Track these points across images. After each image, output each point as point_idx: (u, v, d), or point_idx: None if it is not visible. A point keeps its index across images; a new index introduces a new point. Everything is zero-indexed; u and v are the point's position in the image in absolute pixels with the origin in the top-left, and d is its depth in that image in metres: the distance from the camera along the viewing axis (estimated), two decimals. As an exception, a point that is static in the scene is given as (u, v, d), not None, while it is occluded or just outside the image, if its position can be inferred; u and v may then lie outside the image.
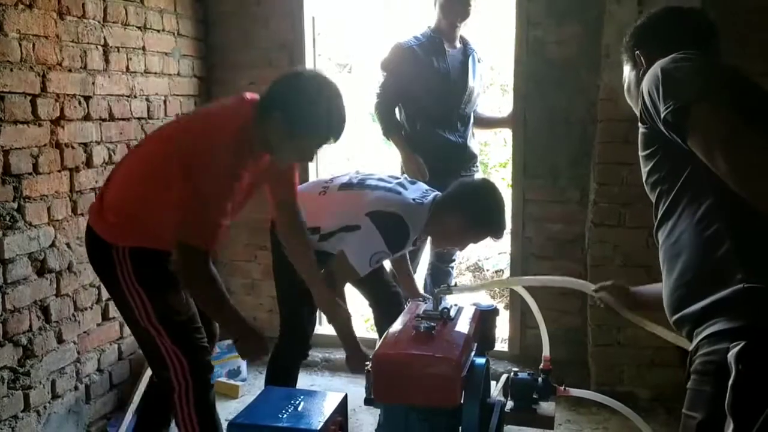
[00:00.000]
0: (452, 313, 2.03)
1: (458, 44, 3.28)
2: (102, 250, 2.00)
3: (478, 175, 3.52)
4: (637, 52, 1.56)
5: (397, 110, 3.29)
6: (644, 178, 1.48)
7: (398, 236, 2.30)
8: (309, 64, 3.53)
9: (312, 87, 1.90)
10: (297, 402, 1.86)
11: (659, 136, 1.37)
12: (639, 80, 1.48)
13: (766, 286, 1.24)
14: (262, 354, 2.06)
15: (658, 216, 1.45)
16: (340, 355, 3.14)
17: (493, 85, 5.86)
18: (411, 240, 2.35)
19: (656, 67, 1.37)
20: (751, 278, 1.25)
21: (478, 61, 3.34)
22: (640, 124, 1.44)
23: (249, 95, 2.02)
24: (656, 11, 1.64)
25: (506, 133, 6.25)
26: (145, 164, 2.01)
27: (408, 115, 3.25)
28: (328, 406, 1.86)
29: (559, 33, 3.13)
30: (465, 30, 3.31)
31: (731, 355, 1.22)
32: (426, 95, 3.18)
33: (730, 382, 1.21)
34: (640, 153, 1.48)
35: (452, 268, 3.55)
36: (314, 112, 1.88)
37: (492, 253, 5.42)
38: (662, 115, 1.31)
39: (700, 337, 1.32)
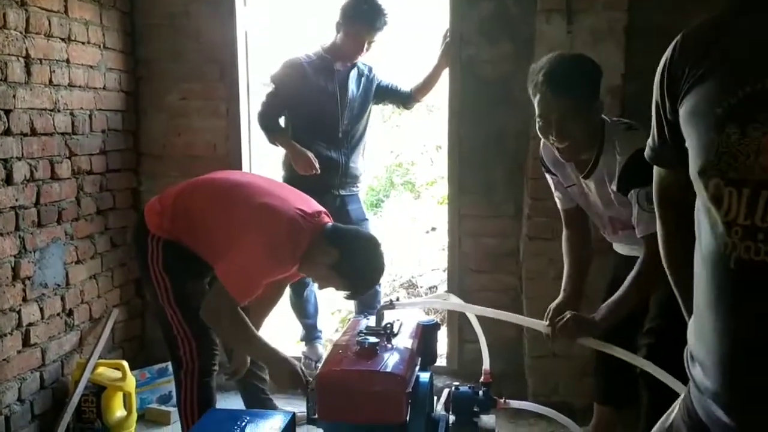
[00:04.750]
0: (395, 328, 2.02)
1: (348, 62, 3.33)
2: (143, 235, 2.36)
3: (360, 196, 3.55)
4: None
5: (282, 120, 3.33)
6: None
7: None
8: (242, 80, 3.49)
9: (372, 253, 2.24)
10: (243, 423, 1.80)
11: None
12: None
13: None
14: (296, 382, 2.18)
15: None
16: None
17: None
18: None
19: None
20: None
21: (366, 75, 3.38)
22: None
23: (326, 219, 2.33)
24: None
25: (432, 153, 6.11)
26: (218, 200, 2.33)
27: (292, 128, 3.29)
28: (275, 427, 1.81)
29: (492, 51, 3.20)
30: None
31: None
32: (310, 110, 3.24)
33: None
34: None
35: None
36: (361, 271, 2.23)
37: (425, 270, 5.45)
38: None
39: None
